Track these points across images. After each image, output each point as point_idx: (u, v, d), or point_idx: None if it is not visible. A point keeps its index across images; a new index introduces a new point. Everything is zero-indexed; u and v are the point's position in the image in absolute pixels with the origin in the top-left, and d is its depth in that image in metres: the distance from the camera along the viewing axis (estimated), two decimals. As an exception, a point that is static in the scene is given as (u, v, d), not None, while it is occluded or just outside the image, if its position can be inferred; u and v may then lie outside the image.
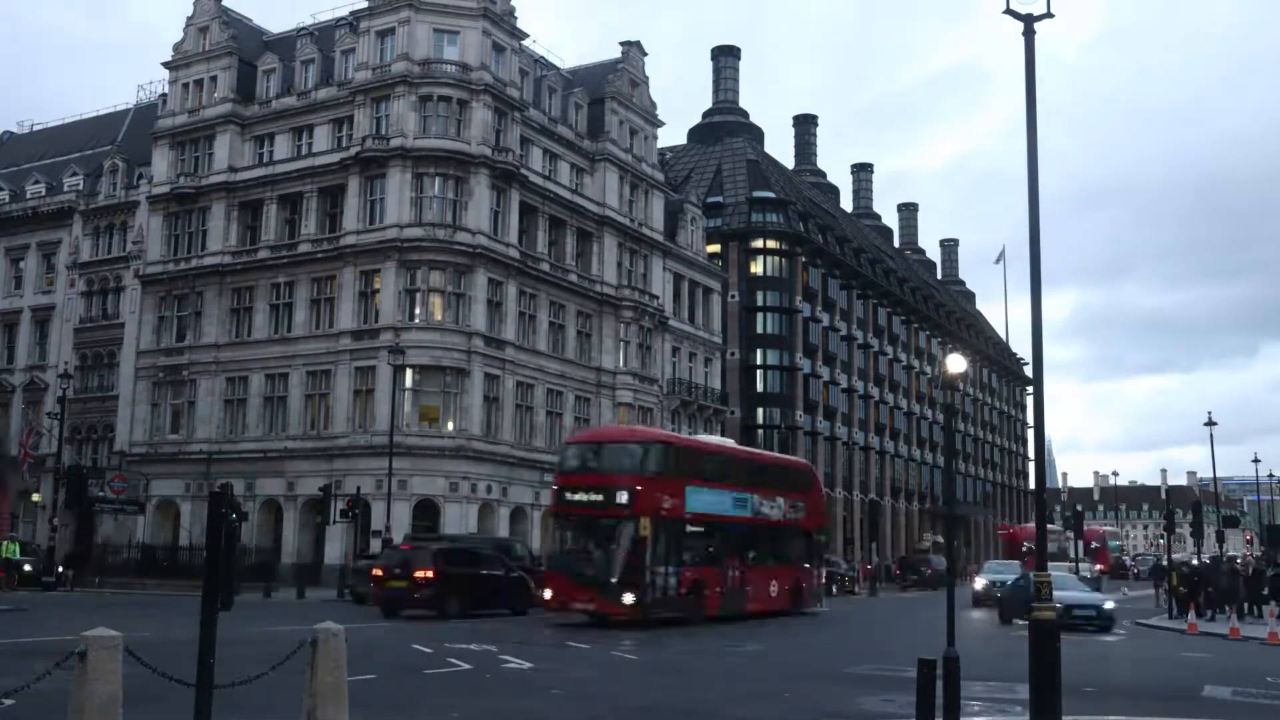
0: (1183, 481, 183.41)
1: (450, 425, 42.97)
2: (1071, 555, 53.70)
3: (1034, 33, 11.60)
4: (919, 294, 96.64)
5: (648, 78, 57.34)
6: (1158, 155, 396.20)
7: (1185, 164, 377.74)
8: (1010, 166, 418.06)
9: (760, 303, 72.03)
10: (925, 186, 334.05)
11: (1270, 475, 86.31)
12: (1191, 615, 31.23)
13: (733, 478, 29.95)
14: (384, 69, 44.85)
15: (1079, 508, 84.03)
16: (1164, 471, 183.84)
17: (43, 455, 48.77)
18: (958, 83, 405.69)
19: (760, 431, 70.26)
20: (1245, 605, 35.03)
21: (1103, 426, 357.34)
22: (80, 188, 55.36)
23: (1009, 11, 11.48)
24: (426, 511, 42.00)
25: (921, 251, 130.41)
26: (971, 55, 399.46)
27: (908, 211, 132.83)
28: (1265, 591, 35.00)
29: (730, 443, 38.78)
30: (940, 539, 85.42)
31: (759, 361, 71.43)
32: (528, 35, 48.55)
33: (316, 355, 44.84)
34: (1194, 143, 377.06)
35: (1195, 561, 47.03)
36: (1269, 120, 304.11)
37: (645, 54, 57.67)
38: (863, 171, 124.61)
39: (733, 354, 67.54)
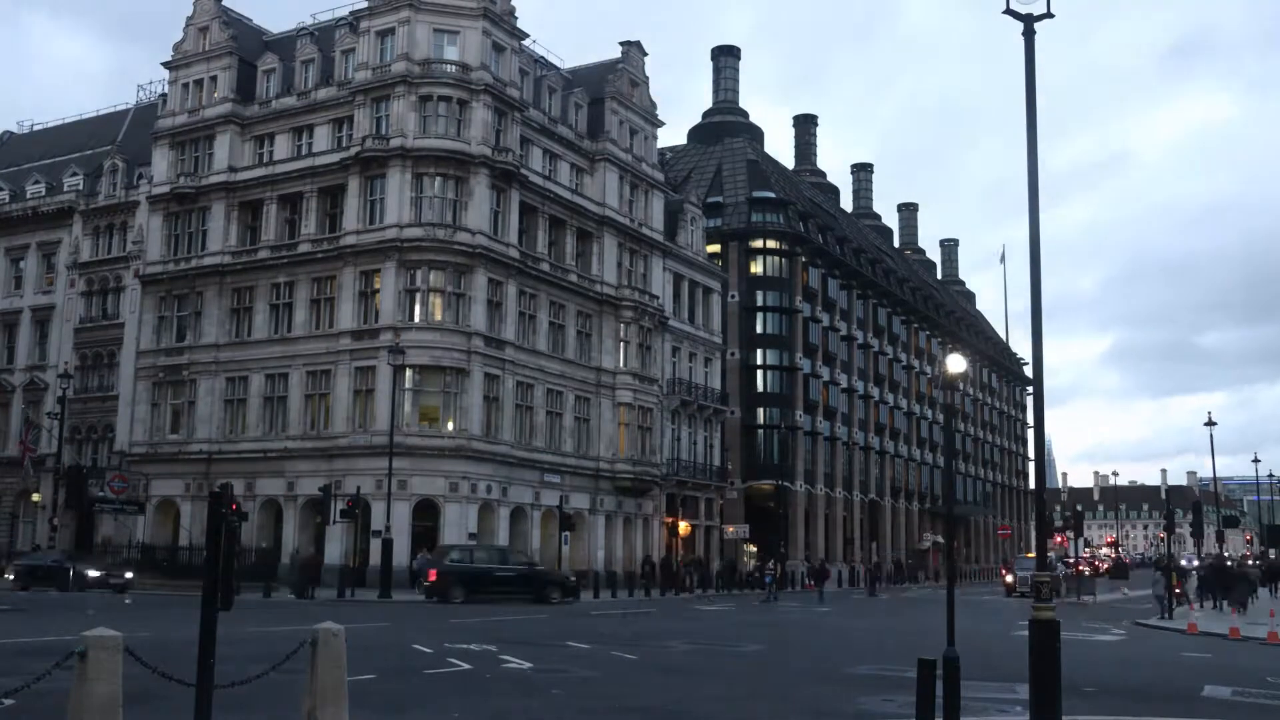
0: (1183, 482, 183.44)
1: (450, 425, 42.96)
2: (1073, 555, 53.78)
3: (1034, 33, 11.58)
4: (919, 294, 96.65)
5: (648, 78, 57.33)
6: (1209, 234, 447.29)
7: (1230, 241, 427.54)
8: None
9: (760, 303, 72.02)
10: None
11: (1270, 475, 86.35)
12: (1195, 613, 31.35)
13: None
14: (384, 69, 44.84)
15: (1079, 508, 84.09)
16: (1164, 471, 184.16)
17: (43, 455, 48.79)
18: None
19: (760, 431, 70.29)
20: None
21: (1125, 437, 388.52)
22: (80, 188, 55.37)
23: (1009, 11, 11.46)
24: (426, 511, 42.01)
25: (921, 251, 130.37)
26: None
27: (908, 211, 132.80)
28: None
29: None
30: (940, 539, 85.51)
31: (759, 361, 71.40)
32: (528, 35, 48.60)
33: (316, 355, 44.83)
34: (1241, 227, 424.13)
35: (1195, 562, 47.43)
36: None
37: (645, 54, 57.66)
38: (863, 171, 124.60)
39: (733, 354, 67.52)
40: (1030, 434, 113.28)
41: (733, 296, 68.60)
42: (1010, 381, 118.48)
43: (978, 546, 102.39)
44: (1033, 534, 58.49)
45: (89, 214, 53.65)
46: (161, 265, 49.50)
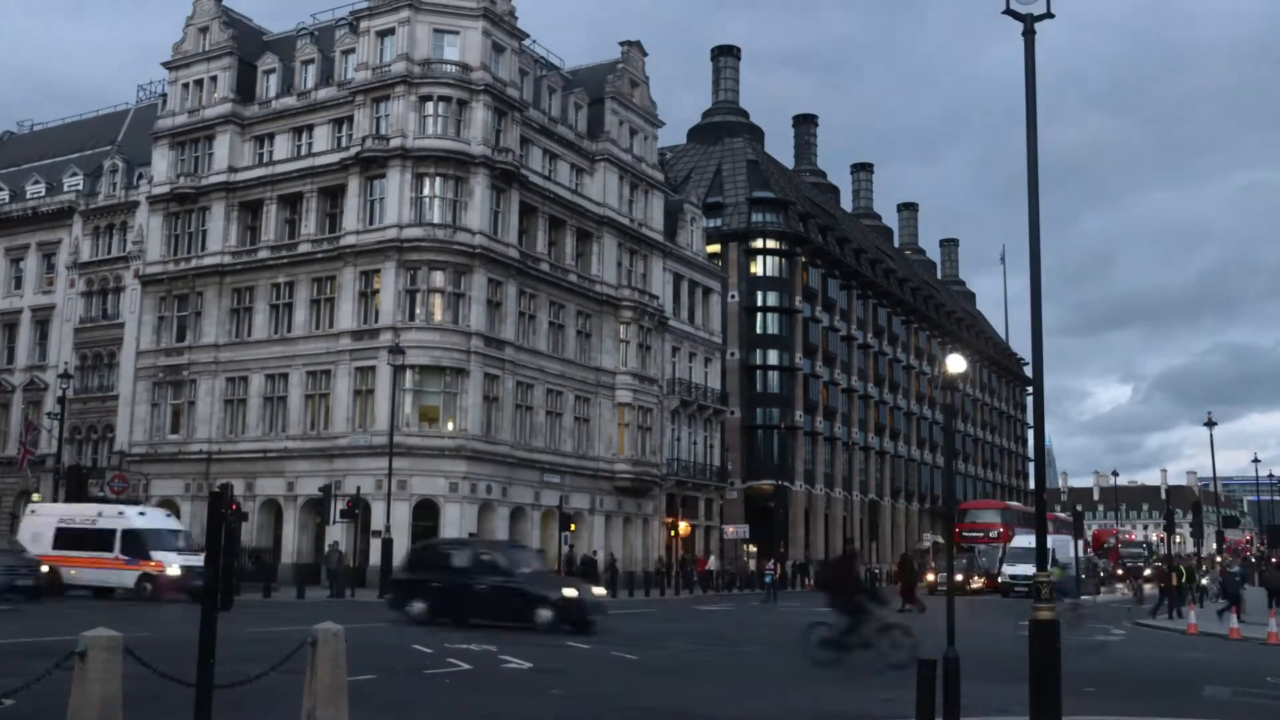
0: (1183, 482, 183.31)
1: (450, 425, 42.96)
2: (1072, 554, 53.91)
3: (1034, 33, 11.58)
4: (919, 294, 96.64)
5: (648, 78, 57.35)
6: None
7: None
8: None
9: (760, 303, 72.03)
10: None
11: (1270, 476, 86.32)
12: (1192, 614, 31.34)
13: None
14: (384, 69, 44.84)
15: (1079, 508, 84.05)
16: (1164, 471, 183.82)
17: (43, 455, 48.74)
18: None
19: (760, 431, 70.30)
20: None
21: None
22: (80, 188, 55.34)
23: (1009, 11, 11.46)
24: (426, 511, 42.00)
25: (921, 251, 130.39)
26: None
27: (908, 211, 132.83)
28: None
29: None
30: (940, 539, 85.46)
31: (759, 361, 71.42)
32: (528, 35, 48.60)
33: (316, 355, 44.83)
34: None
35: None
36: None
37: (645, 54, 57.67)
38: (863, 171, 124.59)
39: (733, 354, 67.52)
40: (1030, 434, 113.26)
41: (733, 296, 68.61)
42: (1010, 381, 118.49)
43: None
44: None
45: (89, 214, 53.64)
46: (161, 265, 49.50)
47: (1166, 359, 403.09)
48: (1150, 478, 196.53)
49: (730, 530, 60.96)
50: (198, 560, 26.34)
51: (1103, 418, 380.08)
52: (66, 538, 31.34)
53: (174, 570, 29.53)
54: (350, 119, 45.75)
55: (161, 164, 50.39)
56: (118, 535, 30.66)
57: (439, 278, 43.62)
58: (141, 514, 32.79)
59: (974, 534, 60.61)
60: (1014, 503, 72.57)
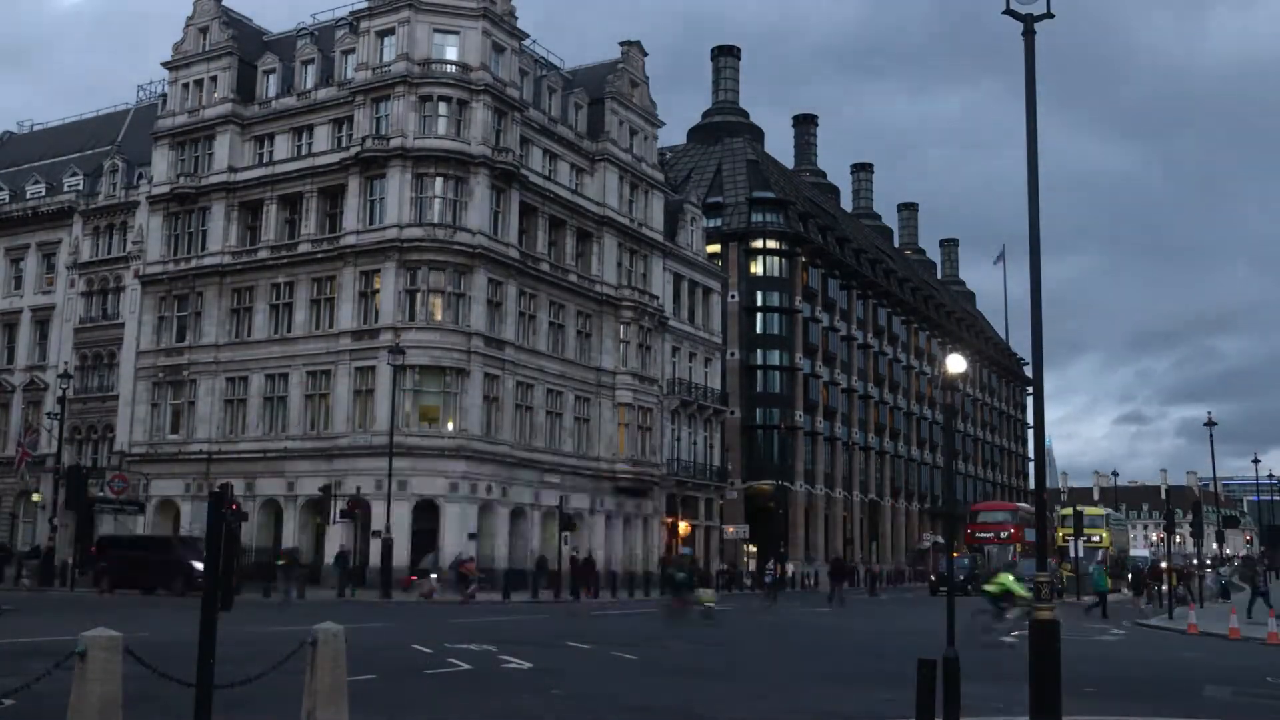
0: (1183, 482, 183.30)
1: (450, 425, 42.96)
2: (1071, 554, 54.10)
3: (1034, 33, 11.56)
4: (919, 294, 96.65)
5: (647, 78, 57.34)
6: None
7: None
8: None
9: (760, 303, 72.06)
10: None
11: (1270, 475, 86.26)
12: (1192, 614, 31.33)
13: None
14: (384, 69, 44.84)
15: (1079, 508, 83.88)
16: (1164, 472, 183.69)
17: (43, 455, 48.73)
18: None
19: (760, 431, 70.30)
20: None
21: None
22: (80, 188, 55.34)
23: (1008, 12, 11.45)
24: (426, 511, 41.98)
25: (921, 251, 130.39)
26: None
27: (908, 211, 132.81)
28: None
29: None
30: (940, 539, 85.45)
31: (759, 361, 71.44)
32: (528, 35, 48.61)
33: (316, 355, 44.83)
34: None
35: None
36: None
37: (645, 54, 57.67)
38: (863, 171, 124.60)
39: (733, 354, 67.52)
40: (1030, 434, 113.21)
41: (733, 296, 68.61)
42: (1010, 381, 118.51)
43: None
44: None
45: (89, 214, 53.64)
46: (161, 265, 49.49)
47: (1236, 404, 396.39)
48: (1151, 477, 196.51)
49: (730, 530, 60.97)
50: None
51: (1169, 447, 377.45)
52: None
53: None
54: (350, 119, 45.75)
55: (161, 164, 50.38)
56: None
57: (439, 278, 43.62)
58: None
59: (985, 534, 61.72)
60: (1024, 504, 73.38)
